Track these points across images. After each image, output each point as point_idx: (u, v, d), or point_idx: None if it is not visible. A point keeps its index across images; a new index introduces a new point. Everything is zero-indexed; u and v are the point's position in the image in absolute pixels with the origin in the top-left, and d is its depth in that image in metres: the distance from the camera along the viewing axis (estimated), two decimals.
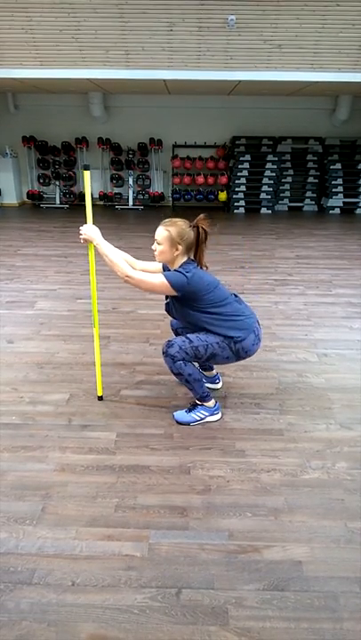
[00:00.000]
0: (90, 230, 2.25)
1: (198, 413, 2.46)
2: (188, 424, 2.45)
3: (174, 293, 2.21)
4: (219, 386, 2.81)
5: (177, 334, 2.63)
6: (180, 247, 2.23)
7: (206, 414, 2.47)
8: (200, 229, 2.25)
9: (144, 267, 2.48)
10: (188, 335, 2.31)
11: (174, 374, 2.35)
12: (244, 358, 2.38)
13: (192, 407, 2.49)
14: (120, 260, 2.20)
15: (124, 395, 2.74)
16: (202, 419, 2.46)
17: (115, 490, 1.99)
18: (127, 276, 2.17)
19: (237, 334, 2.29)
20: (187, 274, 2.19)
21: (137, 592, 1.55)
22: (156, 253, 2.28)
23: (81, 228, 2.28)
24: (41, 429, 2.40)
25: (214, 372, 2.81)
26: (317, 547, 1.73)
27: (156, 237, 2.25)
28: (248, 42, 5.89)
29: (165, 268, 2.43)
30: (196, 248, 2.29)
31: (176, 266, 2.28)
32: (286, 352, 3.32)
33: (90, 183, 2.27)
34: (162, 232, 2.23)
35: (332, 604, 1.51)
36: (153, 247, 2.27)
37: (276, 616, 1.47)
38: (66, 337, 3.50)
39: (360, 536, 1.78)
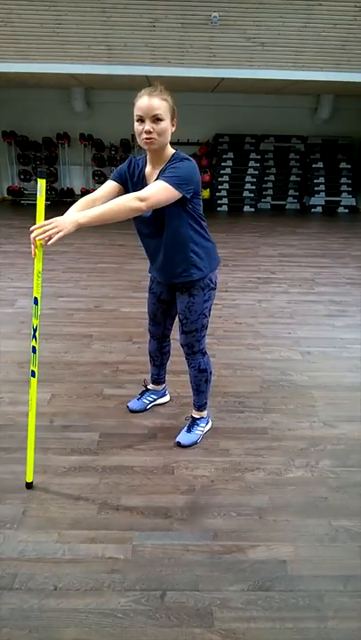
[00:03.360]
0: (61, 220, 1.62)
1: (199, 428, 2.32)
2: (195, 443, 2.28)
3: (181, 195, 1.77)
4: (167, 399, 2.66)
5: (160, 340, 2.40)
6: (175, 121, 1.82)
7: (204, 426, 2.35)
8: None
9: (102, 194, 1.90)
10: (186, 327, 2.09)
11: (199, 371, 2.20)
12: None
13: (191, 424, 2.32)
14: (117, 201, 1.69)
15: (107, 394, 2.71)
16: (202, 433, 2.33)
17: (98, 491, 1.97)
18: (142, 200, 1.67)
19: (215, 254, 2.06)
20: (191, 160, 1.82)
21: (121, 595, 1.52)
22: (153, 136, 1.74)
23: (46, 226, 1.60)
24: (22, 430, 2.34)
25: (163, 385, 2.61)
26: (302, 545, 1.73)
27: (151, 111, 1.71)
28: (231, 39, 5.87)
29: (123, 181, 1.93)
30: None
31: (168, 154, 1.85)
32: (270, 350, 3.32)
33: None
34: (160, 103, 1.72)
35: (316, 603, 1.51)
36: (147, 128, 1.73)
37: (261, 616, 1.47)
38: (47, 336, 3.44)
39: (344, 534, 1.78)
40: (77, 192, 9.67)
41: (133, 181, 1.92)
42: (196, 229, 1.96)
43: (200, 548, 1.71)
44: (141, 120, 1.75)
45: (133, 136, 7.90)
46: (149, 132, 1.74)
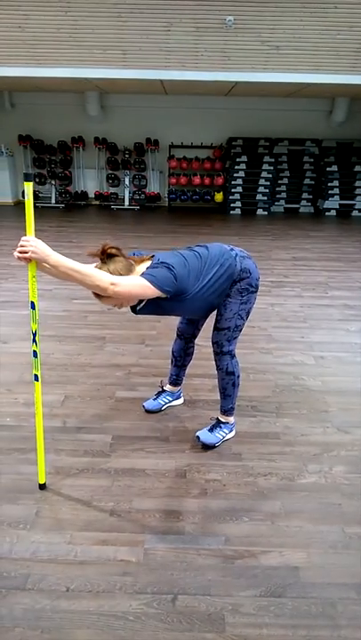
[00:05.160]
0: (40, 244, 1.71)
1: (222, 432, 2.30)
2: (214, 445, 2.27)
3: (163, 295, 1.89)
4: (181, 401, 2.66)
5: (187, 340, 2.43)
6: (133, 267, 1.93)
7: (227, 432, 2.32)
8: (110, 250, 1.92)
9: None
10: (219, 324, 2.12)
11: (227, 373, 2.21)
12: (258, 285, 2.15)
13: (215, 425, 2.31)
14: (93, 269, 1.79)
15: (119, 396, 2.72)
16: (224, 437, 2.31)
17: (110, 493, 1.97)
18: (113, 284, 1.74)
19: (242, 266, 2.06)
20: (171, 267, 1.89)
21: (132, 598, 1.53)
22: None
23: (24, 241, 1.70)
24: (35, 431, 2.36)
25: (179, 387, 2.62)
26: (315, 552, 1.71)
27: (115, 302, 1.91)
28: (246, 43, 5.87)
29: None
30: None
31: (143, 268, 1.95)
32: (283, 354, 3.31)
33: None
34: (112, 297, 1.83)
35: (329, 610, 1.50)
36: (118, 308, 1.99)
37: (273, 623, 1.46)
38: (61, 337, 3.47)
39: (358, 541, 1.76)
40: (91, 195, 9.74)
41: None
42: (203, 289, 2.00)
43: (212, 552, 1.70)
44: None
45: (148, 140, 8.00)
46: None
